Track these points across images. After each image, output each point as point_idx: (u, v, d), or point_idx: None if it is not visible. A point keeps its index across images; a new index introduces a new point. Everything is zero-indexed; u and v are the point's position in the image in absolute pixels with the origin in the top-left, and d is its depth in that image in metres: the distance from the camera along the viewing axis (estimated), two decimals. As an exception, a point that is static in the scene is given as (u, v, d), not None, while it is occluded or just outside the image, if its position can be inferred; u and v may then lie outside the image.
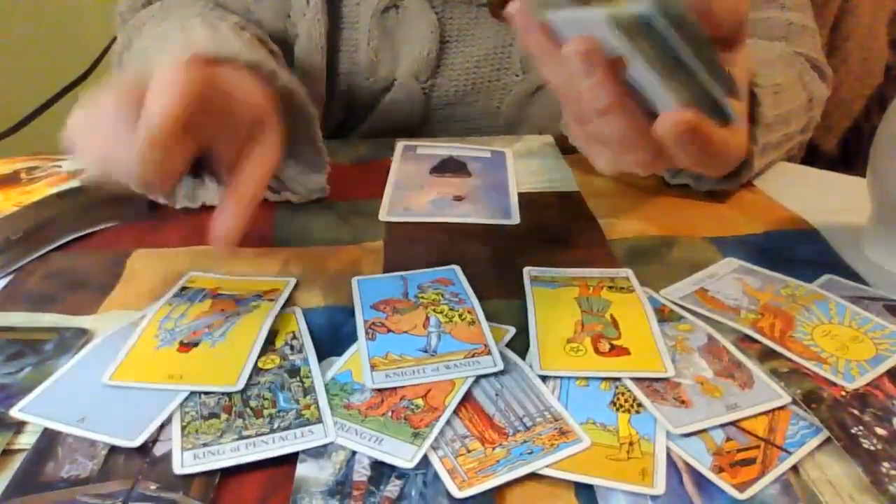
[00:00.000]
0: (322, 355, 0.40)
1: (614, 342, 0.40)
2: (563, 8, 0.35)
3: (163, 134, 0.35)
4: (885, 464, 0.32)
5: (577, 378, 0.38)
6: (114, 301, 0.45)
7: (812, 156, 0.78)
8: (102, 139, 0.37)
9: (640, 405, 0.36)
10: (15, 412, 0.35)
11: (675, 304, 0.44)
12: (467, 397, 0.37)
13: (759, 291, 0.45)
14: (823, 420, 0.35)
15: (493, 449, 0.34)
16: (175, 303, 0.44)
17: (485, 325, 0.41)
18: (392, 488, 0.32)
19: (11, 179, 0.59)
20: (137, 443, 0.34)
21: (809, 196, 0.57)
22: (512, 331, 0.41)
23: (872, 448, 0.33)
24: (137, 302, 0.44)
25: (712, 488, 0.32)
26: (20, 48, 1.48)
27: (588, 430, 0.35)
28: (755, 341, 0.41)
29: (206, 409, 0.36)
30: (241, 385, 0.37)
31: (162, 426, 0.35)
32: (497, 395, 0.37)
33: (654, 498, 0.32)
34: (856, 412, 0.35)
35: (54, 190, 0.56)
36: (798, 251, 0.50)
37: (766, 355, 0.40)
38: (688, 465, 0.33)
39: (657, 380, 0.38)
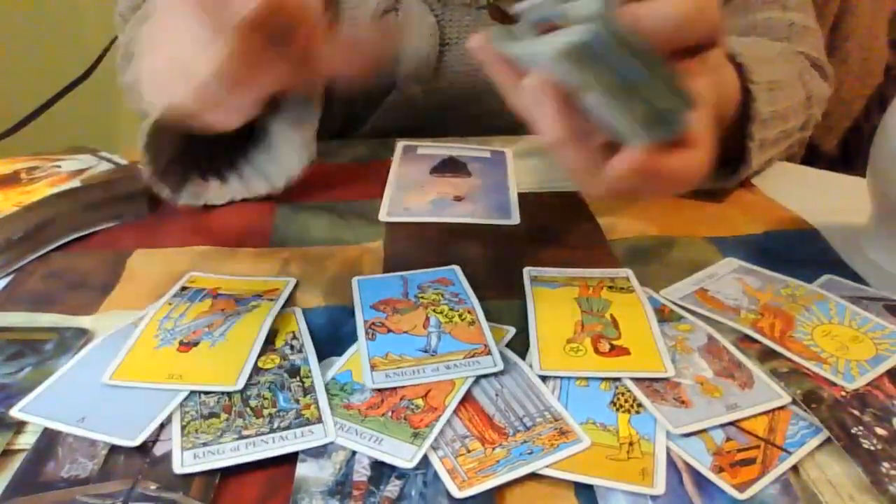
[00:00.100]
0: (322, 355, 0.40)
1: (614, 342, 0.40)
2: (518, 41, 0.35)
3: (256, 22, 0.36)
4: (885, 464, 0.32)
5: (577, 378, 0.38)
6: (114, 301, 0.45)
7: (812, 156, 0.79)
8: None
9: (640, 405, 0.36)
10: (15, 412, 0.35)
11: (675, 304, 0.44)
12: (467, 397, 0.37)
13: (759, 291, 0.45)
14: (823, 420, 0.35)
15: (493, 449, 0.34)
16: (175, 302, 0.44)
17: (485, 325, 0.41)
18: (392, 488, 0.32)
19: (11, 179, 0.59)
20: (137, 442, 0.34)
21: (809, 196, 0.57)
22: (512, 331, 0.41)
23: (872, 448, 0.33)
24: (137, 302, 0.44)
25: (712, 488, 0.32)
26: (20, 48, 1.48)
27: (588, 430, 0.35)
28: (755, 341, 0.41)
29: (206, 409, 0.36)
30: (240, 385, 0.37)
31: (162, 426, 0.35)
32: (497, 395, 0.37)
33: (654, 498, 0.32)
34: (856, 412, 0.35)
35: (54, 190, 0.56)
36: (798, 251, 0.50)
37: (766, 355, 0.40)
38: (688, 465, 0.33)
39: (657, 380, 0.38)
